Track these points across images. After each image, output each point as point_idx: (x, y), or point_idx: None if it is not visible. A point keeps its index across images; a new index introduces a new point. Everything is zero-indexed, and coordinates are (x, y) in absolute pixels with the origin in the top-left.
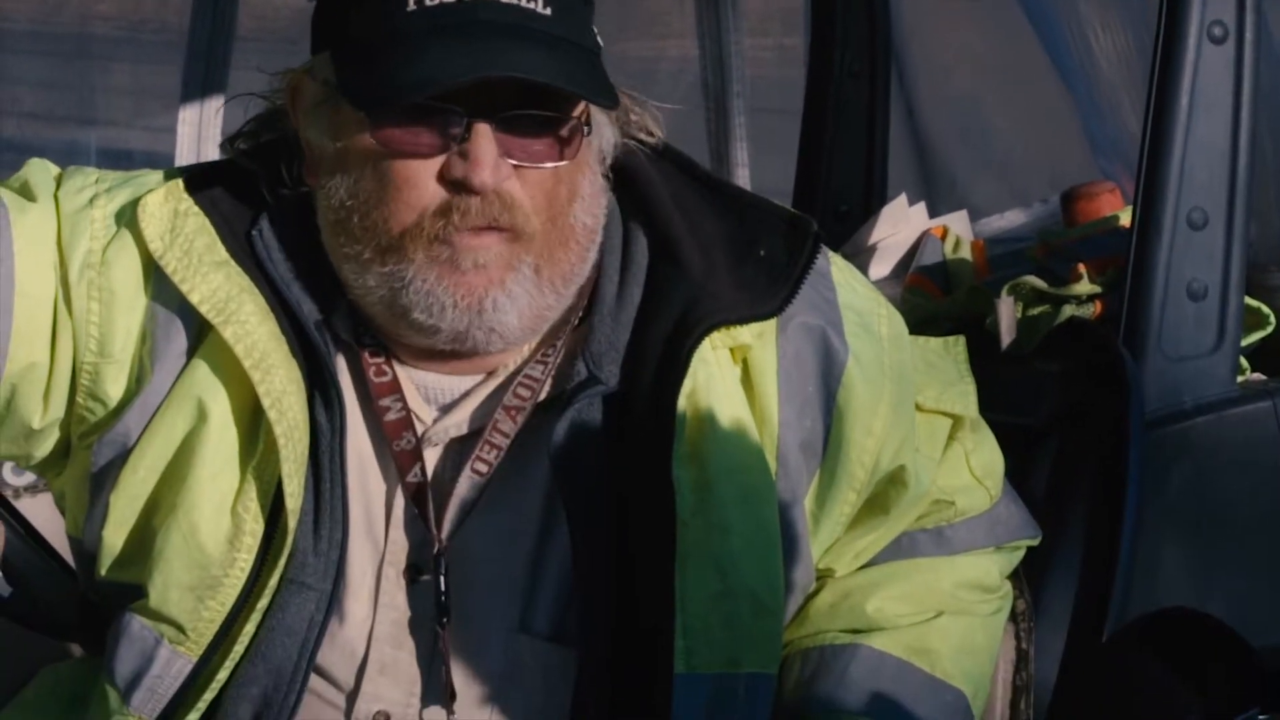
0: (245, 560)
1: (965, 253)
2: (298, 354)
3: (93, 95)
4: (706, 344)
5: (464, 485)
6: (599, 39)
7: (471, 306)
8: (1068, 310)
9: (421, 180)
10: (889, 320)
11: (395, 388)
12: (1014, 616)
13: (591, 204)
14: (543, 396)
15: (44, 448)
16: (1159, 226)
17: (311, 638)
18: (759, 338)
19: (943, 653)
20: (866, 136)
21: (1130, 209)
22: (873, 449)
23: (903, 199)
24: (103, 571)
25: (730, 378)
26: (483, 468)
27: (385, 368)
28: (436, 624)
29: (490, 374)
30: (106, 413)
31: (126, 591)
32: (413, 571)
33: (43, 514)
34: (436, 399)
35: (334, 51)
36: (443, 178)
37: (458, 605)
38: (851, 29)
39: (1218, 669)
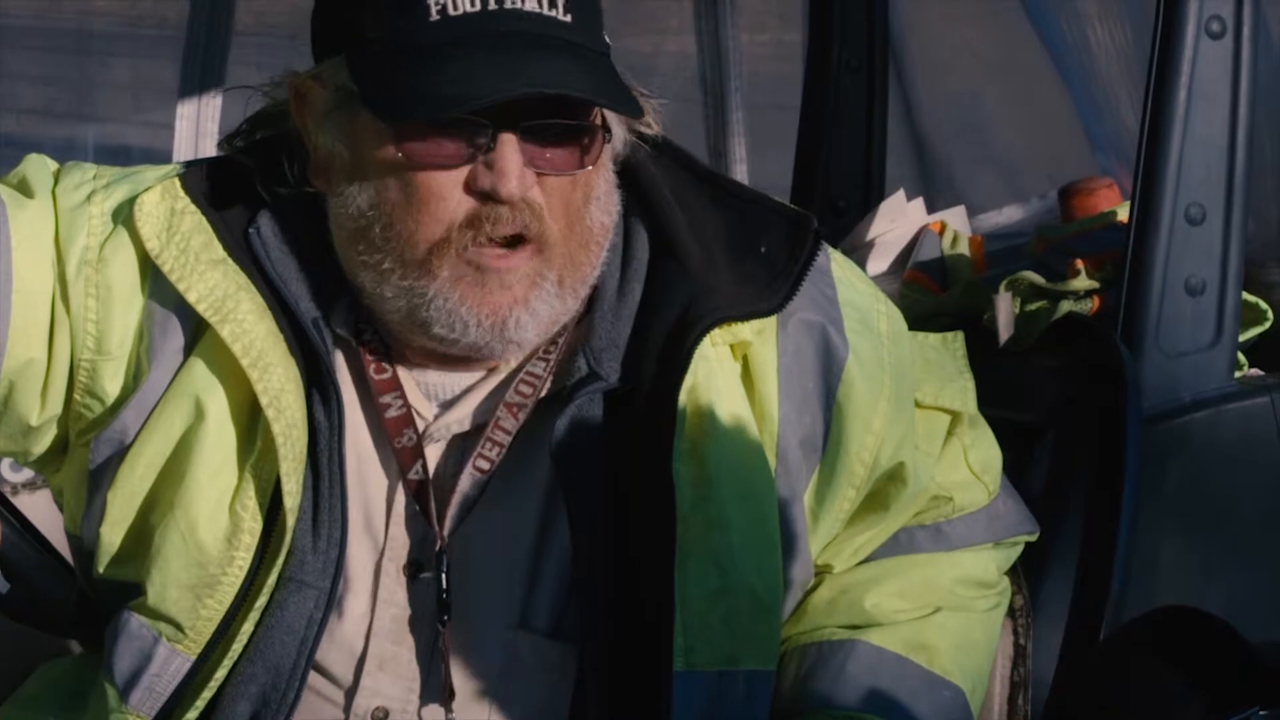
0: (243, 559)
1: (963, 248)
2: (295, 352)
3: (91, 90)
4: (707, 340)
5: (466, 482)
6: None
7: (495, 326)
8: (1065, 306)
9: (448, 192)
10: (889, 317)
11: (396, 385)
12: (1012, 612)
13: (606, 203)
14: (544, 393)
15: (42, 444)
16: (1157, 222)
17: (310, 636)
18: (759, 334)
19: (941, 648)
20: (864, 132)
21: (1128, 204)
22: (872, 446)
23: (900, 194)
24: (101, 569)
25: (730, 374)
26: (485, 464)
27: (385, 365)
28: (437, 621)
29: (491, 371)
30: (104, 409)
31: (125, 589)
32: (413, 568)
33: (41, 511)
34: (437, 395)
35: (350, 58)
36: (468, 189)
37: (458, 602)
38: (849, 24)
39: (1216, 666)
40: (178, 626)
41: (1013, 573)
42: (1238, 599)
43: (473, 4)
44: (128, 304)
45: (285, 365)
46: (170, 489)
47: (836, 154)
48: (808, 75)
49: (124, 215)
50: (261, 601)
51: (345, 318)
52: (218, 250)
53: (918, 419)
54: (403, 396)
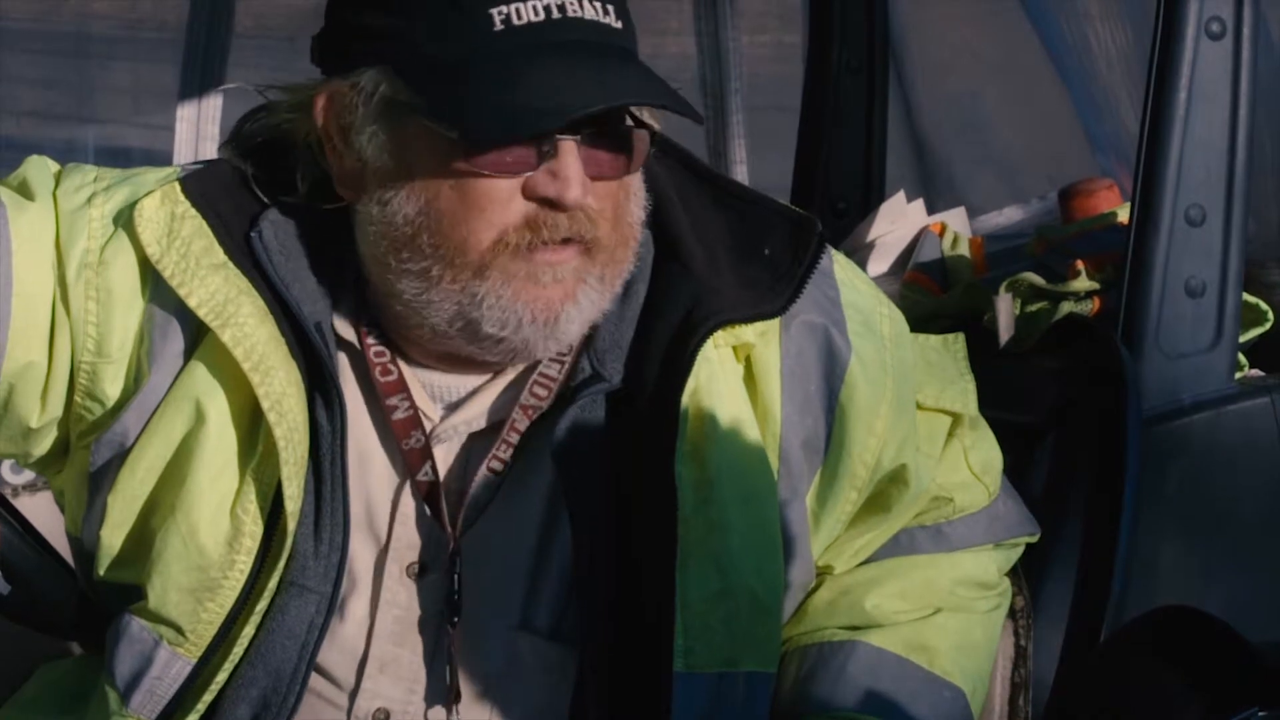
0: (244, 563)
1: (963, 249)
2: (297, 355)
3: (91, 93)
4: (710, 342)
5: (478, 484)
6: None
7: (548, 321)
8: (1066, 307)
9: (506, 197)
10: (891, 319)
11: (402, 386)
12: (1013, 613)
13: (640, 197)
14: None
15: (42, 446)
16: (1157, 223)
17: (311, 640)
18: (762, 336)
19: (941, 650)
20: (865, 133)
21: (1128, 205)
22: (874, 448)
23: (901, 196)
24: (101, 571)
25: (733, 376)
26: (498, 466)
27: (391, 366)
28: (447, 623)
29: (498, 373)
30: (104, 412)
31: (125, 592)
32: (418, 569)
33: (42, 513)
34: (443, 397)
35: (399, 70)
36: (527, 194)
37: (465, 602)
38: (849, 25)
39: (1216, 667)
40: (178, 630)
41: (1013, 574)
42: (1238, 600)
43: (536, 13)
44: (128, 307)
45: (287, 369)
46: (171, 492)
47: (836, 155)
48: (807, 76)
49: (124, 218)
50: (262, 605)
51: (349, 320)
52: (218, 254)
53: (919, 421)
54: (409, 398)
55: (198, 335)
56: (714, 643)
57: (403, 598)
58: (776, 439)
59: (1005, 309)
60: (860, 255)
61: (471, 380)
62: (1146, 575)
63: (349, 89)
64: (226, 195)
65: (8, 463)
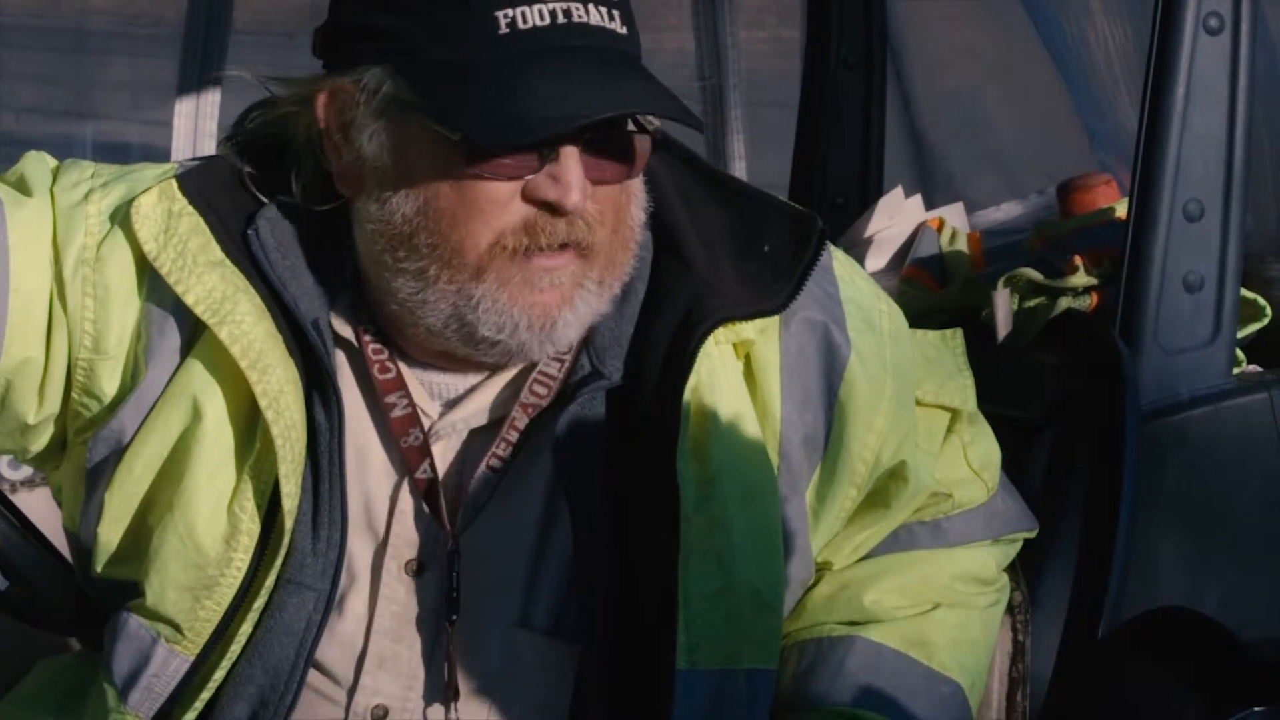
0: (242, 560)
1: (961, 245)
2: (295, 353)
3: (89, 89)
4: (710, 339)
5: (477, 481)
6: None
7: (545, 326)
8: (1064, 302)
9: (506, 200)
10: (890, 315)
11: (400, 384)
12: (1011, 609)
13: (640, 198)
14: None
15: (39, 442)
16: (1155, 218)
17: (309, 638)
18: (762, 333)
19: (940, 645)
20: (863, 129)
21: (1126, 201)
22: (874, 445)
23: (899, 191)
24: (99, 568)
25: (733, 373)
26: (497, 463)
27: (389, 364)
28: (445, 620)
29: (497, 370)
30: (101, 409)
31: (123, 589)
32: (416, 566)
33: (40, 509)
34: (441, 394)
35: (402, 70)
36: (526, 197)
37: (463, 600)
38: (847, 21)
39: (1213, 667)
40: (176, 627)
41: (1011, 569)
42: (1235, 594)
43: (542, 18)
44: (125, 303)
45: (284, 366)
46: (168, 489)
47: (834, 151)
48: (805, 72)
49: (122, 215)
50: (260, 603)
51: (346, 318)
52: (216, 252)
53: (918, 417)
54: (408, 396)
55: (195, 332)
56: (716, 640)
57: (401, 595)
58: (776, 436)
59: (1003, 304)
60: (858, 251)
61: (470, 378)
62: (1144, 570)
63: (352, 86)
64: (224, 192)
65: (6, 459)
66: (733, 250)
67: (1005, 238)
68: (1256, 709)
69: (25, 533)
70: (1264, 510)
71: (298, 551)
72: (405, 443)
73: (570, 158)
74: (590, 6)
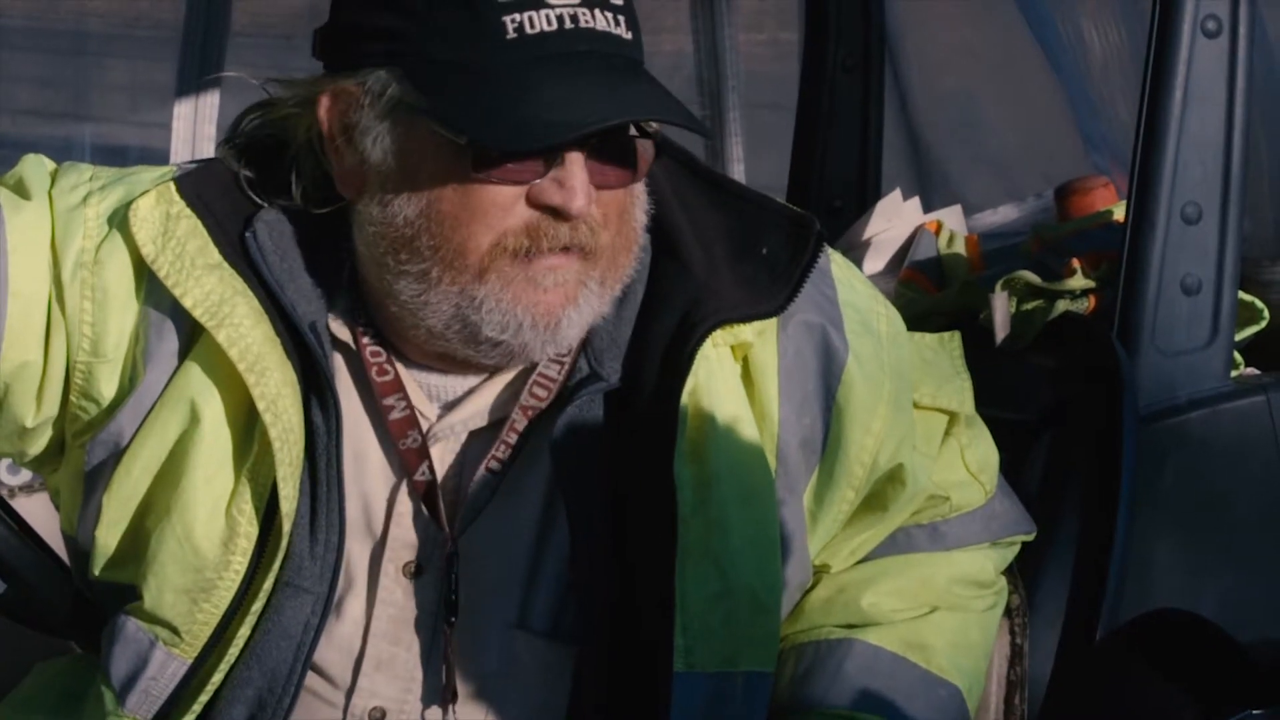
0: (240, 563)
1: (959, 248)
2: (292, 356)
3: (88, 91)
4: (708, 342)
5: (476, 483)
6: None
7: (549, 326)
8: (1062, 305)
9: (510, 204)
10: (888, 318)
11: (399, 386)
12: (1008, 611)
13: (643, 201)
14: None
15: (37, 445)
16: (1153, 221)
17: (307, 640)
18: (760, 335)
19: (938, 648)
20: (860, 131)
21: (1124, 204)
22: (872, 448)
23: (897, 194)
24: (96, 571)
25: (731, 375)
26: (496, 466)
27: (387, 366)
28: (444, 622)
29: (496, 372)
30: (99, 412)
31: (121, 592)
32: (414, 569)
33: (38, 514)
34: (439, 397)
35: (409, 74)
36: (531, 201)
37: (461, 602)
38: (845, 23)
39: (1211, 669)
40: (174, 630)
41: (1009, 572)
42: (1233, 597)
43: (549, 23)
44: (124, 307)
45: (282, 369)
46: (166, 493)
47: (832, 153)
48: (803, 74)
49: (120, 218)
50: (258, 606)
51: (344, 320)
52: (213, 255)
53: (916, 420)
54: (406, 398)
55: (193, 335)
56: (713, 642)
57: (399, 597)
58: (774, 438)
59: (1001, 307)
60: (856, 253)
61: (469, 380)
62: (1142, 572)
63: (355, 88)
64: (222, 195)
65: (5, 463)
66: (730, 253)
67: (1003, 240)
68: (1254, 711)
69: (23, 535)
70: (1262, 512)
71: (295, 554)
72: (404, 445)
73: (576, 163)
74: (597, 12)
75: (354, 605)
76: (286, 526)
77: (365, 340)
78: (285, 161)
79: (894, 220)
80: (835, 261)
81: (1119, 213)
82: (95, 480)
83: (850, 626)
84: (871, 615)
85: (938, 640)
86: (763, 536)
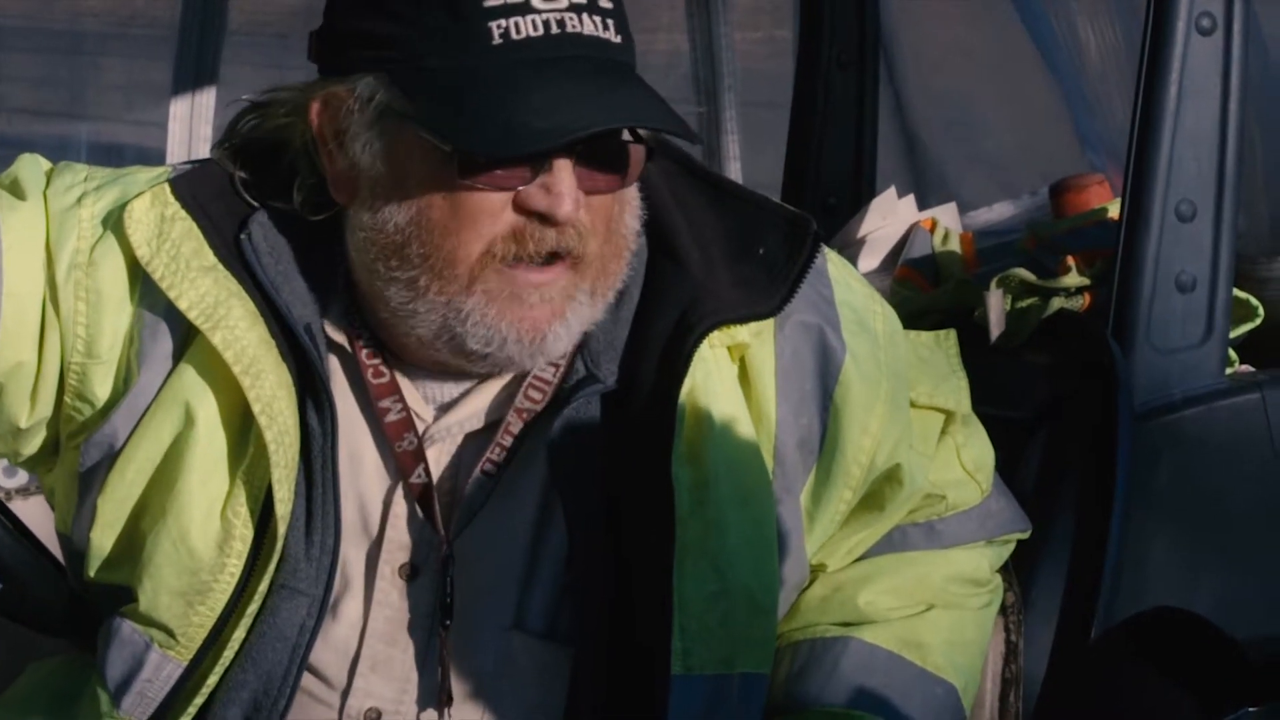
0: (235, 565)
1: (954, 245)
2: (288, 358)
3: (84, 90)
4: (705, 342)
5: (472, 485)
6: None
7: (534, 341)
8: (1056, 302)
9: (497, 210)
10: (885, 317)
11: (394, 389)
12: (1004, 609)
13: (634, 207)
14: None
15: (31, 446)
16: (1147, 218)
17: (303, 643)
18: (757, 336)
19: (933, 646)
20: (855, 129)
21: (1119, 201)
22: (869, 448)
23: (891, 191)
24: (92, 572)
25: (728, 376)
26: (491, 468)
27: (383, 369)
28: (439, 625)
29: (490, 375)
30: (94, 413)
31: (116, 593)
32: (410, 570)
33: (35, 516)
34: (435, 399)
35: (396, 79)
36: (518, 207)
37: (457, 604)
38: (840, 21)
39: (1206, 667)
40: (169, 632)
41: (1004, 570)
42: (1228, 594)
43: (535, 28)
44: (118, 308)
45: (277, 372)
46: (161, 495)
47: (827, 151)
48: (798, 72)
49: (115, 219)
50: (253, 608)
51: (339, 323)
52: (208, 256)
53: (913, 418)
54: (402, 400)
55: (187, 337)
56: (711, 644)
57: (394, 599)
58: (771, 439)
59: (996, 305)
60: (851, 251)
61: (465, 382)
62: (1137, 570)
63: (346, 93)
64: (217, 197)
65: (1, 465)
66: (728, 253)
67: (998, 238)
68: (1250, 708)
69: (17, 535)
70: (1256, 509)
71: (291, 556)
72: (399, 447)
73: (563, 169)
74: (584, 16)
75: (350, 607)
76: (282, 529)
77: (360, 343)
78: (281, 163)
79: (889, 218)
80: (832, 261)
81: (1114, 210)
82: (90, 481)
83: (846, 624)
84: (868, 613)
85: (934, 638)
86: (760, 537)
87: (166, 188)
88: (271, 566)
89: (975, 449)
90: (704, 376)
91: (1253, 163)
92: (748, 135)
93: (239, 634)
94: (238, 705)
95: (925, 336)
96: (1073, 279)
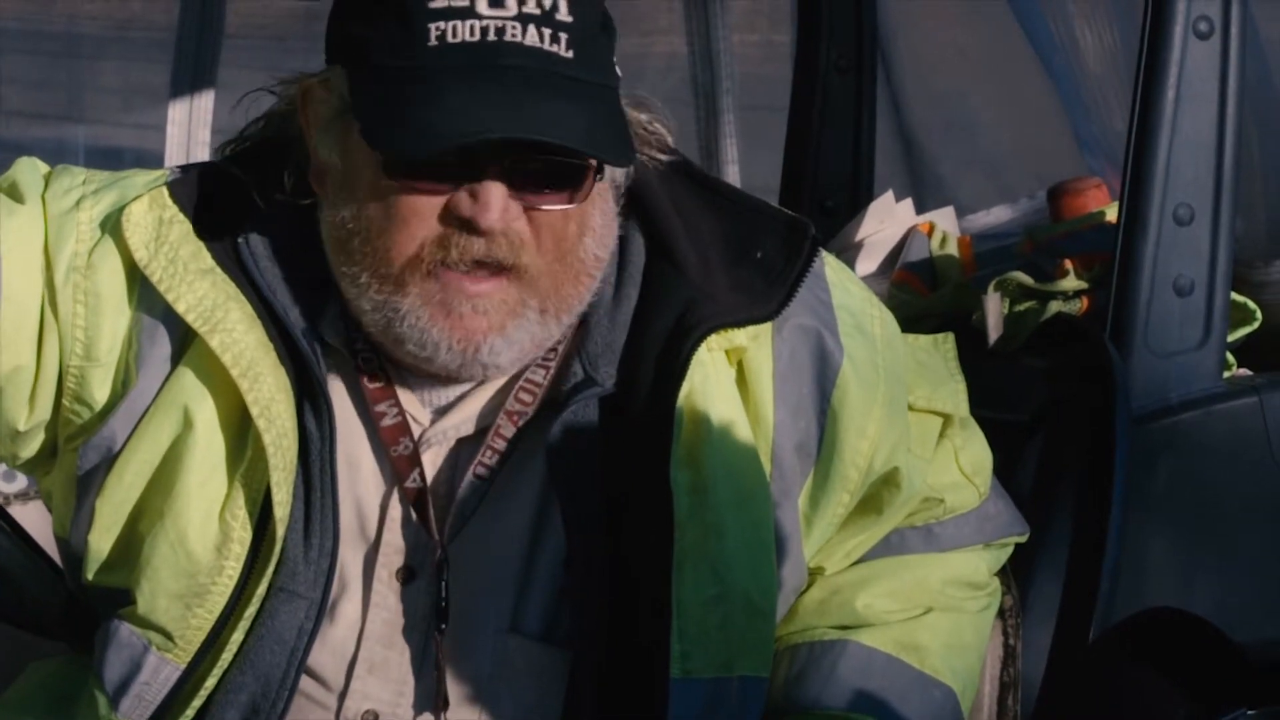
0: (233, 568)
1: (952, 249)
2: (286, 361)
3: (81, 93)
4: (703, 346)
5: (465, 489)
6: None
7: (467, 351)
8: (1054, 306)
9: (427, 213)
10: (882, 321)
11: (390, 393)
12: (1002, 612)
13: (604, 235)
14: (542, 399)
15: (30, 448)
16: (1145, 222)
17: (301, 645)
18: (754, 340)
19: (932, 649)
20: (853, 132)
21: (1117, 205)
22: (866, 451)
23: (889, 195)
24: (90, 575)
25: (726, 380)
26: (484, 471)
27: (379, 373)
28: (433, 628)
29: (484, 380)
30: (92, 416)
31: (114, 596)
32: (406, 574)
33: (33, 520)
34: (431, 402)
35: (349, 72)
36: (448, 212)
37: (452, 607)
38: (838, 24)
39: (1204, 669)
40: (167, 635)
41: (1002, 573)
42: (1226, 596)
43: (472, 33)
44: (117, 311)
45: (275, 375)
46: (159, 498)
47: (825, 154)
48: (796, 75)
49: (113, 223)
50: (251, 611)
51: (337, 326)
52: (206, 260)
53: (911, 422)
54: (398, 404)
55: (186, 340)
56: (710, 648)
57: (391, 602)
58: (769, 442)
59: (994, 308)
60: (848, 255)
61: (460, 386)
62: (1135, 572)
63: (319, 85)
64: (215, 200)
65: (0, 470)
66: (726, 257)
67: (996, 242)
68: (1249, 711)
69: (14, 537)
70: (1254, 512)
71: (289, 560)
72: (395, 451)
73: (490, 176)
74: (531, 28)
75: (348, 609)
76: (280, 531)
77: (358, 346)
78: (279, 166)
79: (886, 222)
80: (829, 264)
81: (1111, 214)
82: (88, 484)
83: (844, 628)
84: (866, 616)
85: (932, 641)
86: (758, 540)
87: (165, 191)
88: (270, 569)
89: (973, 452)
90: (702, 380)
91: (1250, 166)
92: (746, 138)
93: (237, 636)
94: (236, 708)
95: (923, 340)
96: (1070, 282)
